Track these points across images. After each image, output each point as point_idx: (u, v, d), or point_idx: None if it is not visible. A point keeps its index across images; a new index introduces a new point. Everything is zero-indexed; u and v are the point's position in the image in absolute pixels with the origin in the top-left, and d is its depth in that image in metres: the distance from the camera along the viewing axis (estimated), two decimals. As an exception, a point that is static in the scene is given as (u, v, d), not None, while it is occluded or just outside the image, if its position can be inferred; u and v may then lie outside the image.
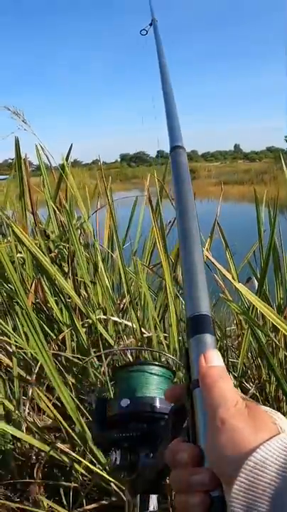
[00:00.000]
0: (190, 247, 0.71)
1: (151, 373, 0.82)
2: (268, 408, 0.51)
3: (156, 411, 0.77)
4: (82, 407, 1.70)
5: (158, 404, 0.78)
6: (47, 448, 1.71)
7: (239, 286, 1.48)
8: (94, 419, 0.83)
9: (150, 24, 1.59)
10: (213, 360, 0.55)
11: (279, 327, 1.44)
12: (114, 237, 2.19)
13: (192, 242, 0.72)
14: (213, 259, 1.71)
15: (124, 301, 2.29)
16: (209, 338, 0.58)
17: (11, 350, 2.02)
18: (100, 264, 2.08)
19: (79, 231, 2.40)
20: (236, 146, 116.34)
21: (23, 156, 2.81)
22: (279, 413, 0.50)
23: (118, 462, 0.75)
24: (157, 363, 0.85)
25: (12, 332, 2.03)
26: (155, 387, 0.79)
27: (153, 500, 0.74)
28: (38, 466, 1.74)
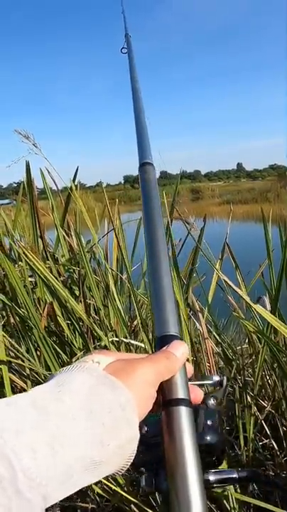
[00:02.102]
0: (157, 268, 0.72)
1: None
2: None
3: None
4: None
5: None
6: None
7: (257, 307, 1.50)
8: None
9: (125, 40, 1.57)
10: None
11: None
12: (124, 259, 2.20)
13: (160, 263, 0.73)
14: (230, 282, 1.73)
15: (135, 322, 2.31)
16: None
17: (25, 374, 2.04)
18: (112, 287, 2.10)
19: (89, 254, 2.41)
20: (239, 165, 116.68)
21: (22, 179, 2.85)
22: None
23: (143, 484, 0.73)
24: None
25: (27, 355, 2.05)
26: None
27: None
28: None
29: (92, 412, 0.50)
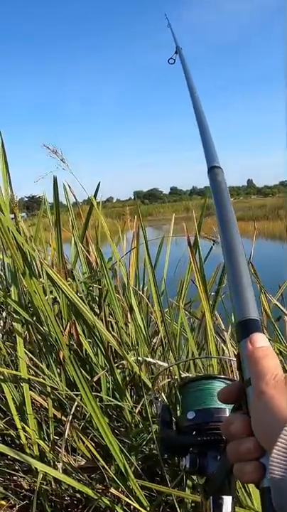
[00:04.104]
0: (234, 257, 0.74)
1: (216, 386, 0.85)
2: None
3: (220, 420, 0.79)
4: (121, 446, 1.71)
5: (222, 414, 0.81)
6: (85, 489, 1.71)
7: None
8: (162, 424, 0.87)
9: (176, 52, 1.60)
10: (258, 341, 0.60)
11: None
12: (150, 278, 2.18)
13: (236, 251, 0.75)
14: (274, 299, 1.72)
15: (155, 340, 2.30)
16: None
17: (45, 392, 2.04)
18: (135, 306, 2.10)
19: (110, 272, 2.41)
20: (249, 181, 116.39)
21: (43, 194, 2.86)
22: None
23: (188, 467, 0.78)
24: (222, 377, 0.88)
25: (48, 373, 2.05)
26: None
27: (227, 502, 0.75)
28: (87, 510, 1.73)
29: None
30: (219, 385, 0.85)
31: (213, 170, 0.96)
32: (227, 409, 0.80)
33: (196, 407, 0.83)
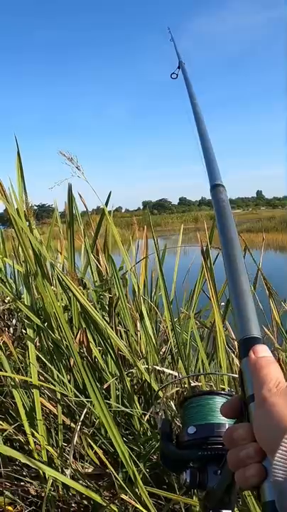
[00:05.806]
0: (236, 275, 0.75)
1: (217, 401, 0.85)
2: None
3: (221, 436, 0.79)
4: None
5: (223, 429, 0.81)
6: (93, 495, 1.71)
7: None
8: (162, 439, 0.87)
9: (178, 67, 1.61)
10: (261, 351, 0.62)
11: None
12: (161, 288, 2.19)
13: (239, 269, 0.76)
14: None
15: (164, 349, 2.31)
16: None
17: (55, 398, 2.05)
18: (145, 314, 2.11)
19: (121, 281, 2.42)
20: (259, 193, 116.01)
21: (53, 203, 2.88)
22: None
23: (188, 481, 0.78)
24: (223, 392, 0.88)
25: (63, 378, 2.06)
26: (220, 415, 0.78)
27: None
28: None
29: None
30: (220, 401, 0.85)
31: (216, 188, 0.96)
32: (228, 424, 0.80)
33: (197, 422, 0.84)
